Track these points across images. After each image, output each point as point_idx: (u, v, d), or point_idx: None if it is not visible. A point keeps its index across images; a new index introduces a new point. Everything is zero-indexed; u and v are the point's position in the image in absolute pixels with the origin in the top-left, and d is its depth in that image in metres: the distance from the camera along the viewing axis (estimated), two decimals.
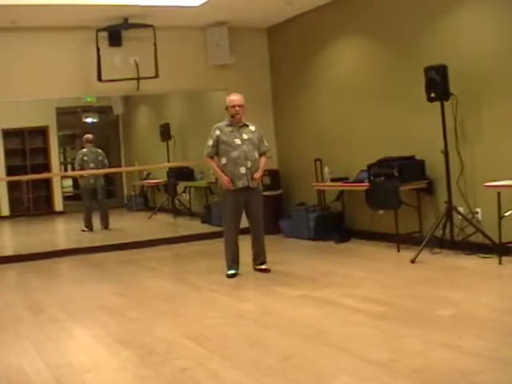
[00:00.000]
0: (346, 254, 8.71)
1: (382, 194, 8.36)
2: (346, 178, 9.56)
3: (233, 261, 7.64)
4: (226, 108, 7.63)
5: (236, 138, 7.54)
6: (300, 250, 9.58)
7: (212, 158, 7.68)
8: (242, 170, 7.49)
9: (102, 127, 19.28)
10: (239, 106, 7.57)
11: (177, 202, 14.98)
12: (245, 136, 7.58)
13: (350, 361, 4.36)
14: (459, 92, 7.60)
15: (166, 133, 14.98)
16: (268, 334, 5.18)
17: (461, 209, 7.80)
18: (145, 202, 17.53)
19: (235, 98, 7.63)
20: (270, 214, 10.00)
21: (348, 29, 9.70)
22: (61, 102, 16.21)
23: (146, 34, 10.06)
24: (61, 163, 18.95)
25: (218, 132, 7.60)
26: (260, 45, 11.49)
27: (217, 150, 7.61)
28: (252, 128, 7.70)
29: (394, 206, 8.27)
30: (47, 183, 18.12)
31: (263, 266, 7.73)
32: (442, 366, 4.06)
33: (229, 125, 7.62)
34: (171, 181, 14.73)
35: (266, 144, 7.83)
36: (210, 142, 7.62)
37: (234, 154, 7.50)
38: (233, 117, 7.57)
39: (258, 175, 7.59)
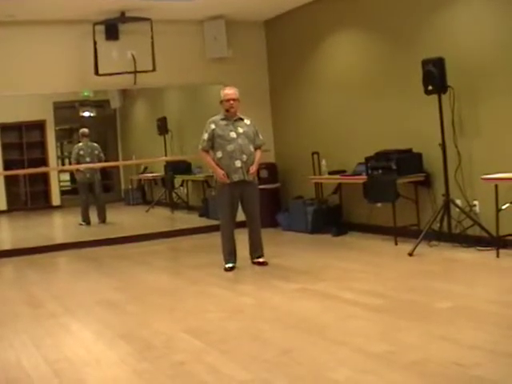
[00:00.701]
0: (343, 247, 8.72)
1: (379, 187, 8.36)
2: (344, 171, 9.55)
3: (230, 254, 7.64)
4: (221, 102, 7.62)
5: (231, 131, 7.53)
6: (297, 243, 9.57)
7: (207, 151, 7.67)
8: (238, 163, 7.48)
9: (99, 121, 19.24)
10: (234, 99, 7.56)
11: (174, 195, 14.97)
12: (240, 129, 7.57)
13: (348, 354, 4.36)
14: (456, 85, 7.60)
15: (163, 126, 14.96)
16: (266, 328, 5.18)
17: (458, 202, 7.81)
18: (142, 196, 17.53)
19: (230, 91, 7.61)
20: (268, 207, 10.02)
21: (345, 22, 9.68)
22: (58, 96, 16.11)
23: (143, 27, 10.04)
24: (58, 157, 18.92)
25: (213, 126, 7.59)
26: (257, 38, 11.48)
27: (212, 143, 7.60)
28: (247, 121, 7.69)
29: (391, 199, 8.28)
30: (44, 177, 18.08)
31: (260, 260, 7.74)
32: (440, 359, 4.06)
33: (224, 118, 7.61)
34: (168, 175, 14.72)
35: (261, 138, 7.83)
36: (205, 136, 7.61)
37: (230, 147, 7.49)
38: (227, 111, 7.56)
39: (253, 169, 7.59)
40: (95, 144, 13.22)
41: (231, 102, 7.54)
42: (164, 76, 10.50)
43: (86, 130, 13.26)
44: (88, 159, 12.82)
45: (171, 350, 4.73)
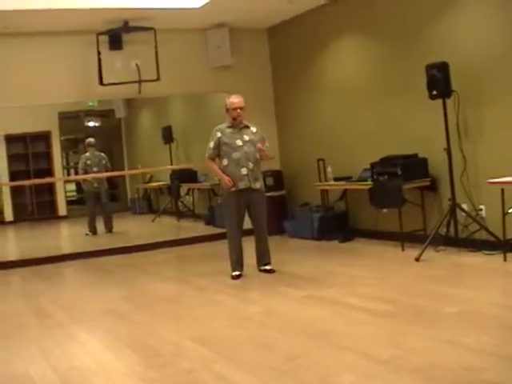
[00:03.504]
0: (350, 254, 8.71)
1: (385, 193, 8.35)
2: (350, 178, 9.55)
3: (237, 262, 7.63)
4: (227, 110, 7.63)
5: (237, 139, 7.54)
6: (304, 250, 9.57)
7: (213, 159, 7.69)
8: (244, 171, 7.49)
9: (104, 131, 19.32)
10: (240, 107, 7.57)
11: (180, 204, 14.97)
12: (246, 137, 7.58)
13: (355, 359, 4.36)
14: (461, 89, 7.60)
15: (168, 135, 14.97)
16: (273, 335, 5.18)
17: (464, 206, 7.80)
18: (148, 205, 17.53)
19: (236, 100, 7.62)
20: (274, 214, 9.98)
21: (348, 28, 9.70)
22: (63, 106, 16.25)
23: (146, 36, 10.06)
24: (64, 168, 18.99)
25: (219, 134, 7.61)
26: (261, 46, 11.50)
27: (218, 151, 7.61)
28: (253, 129, 7.70)
29: (397, 205, 8.26)
30: (50, 188, 18.16)
31: (268, 267, 7.73)
32: (447, 363, 4.05)
33: (230, 126, 7.62)
34: (174, 183, 14.72)
35: (268, 145, 7.81)
36: (212, 144, 7.62)
37: (236, 155, 7.50)
38: (234, 119, 7.57)
39: (263, 149, 7.54)
40: (102, 154, 13.25)
41: (238, 110, 7.55)
42: (168, 85, 10.52)
43: (92, 140, 13.29)
44: (95, 169, 12.86)
45: (178, 359, 4.73)
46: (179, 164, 14.82)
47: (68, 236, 15.41)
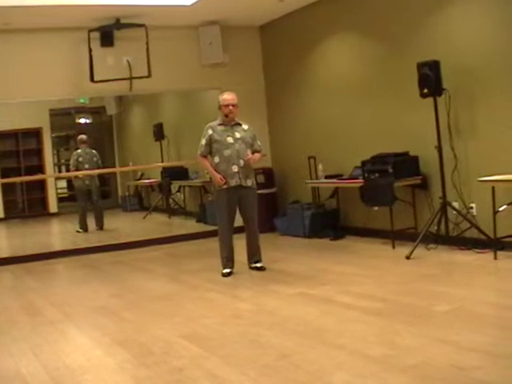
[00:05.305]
0: (341, 251, 8.72)
1: (376, 191, 8.36)
2: (341, 175, 9.56)
3: (228, 259, 7.63)
4: (219, 107, 7.62)
5: (228, 136, 7.53)
6: (295, 247, 9.57)
7: (205, 157, 7.68)
8: (235, 168, 7.48)
9: (95, 128, 19.28)
10: (233, 105, 7.56)
11: (171, 201, 14.97)
12: (237, 135, 7.57)
13: (347, 357, 4.36)
14: (452, 87, 7.61)
15: (159, 133, 14.97)
16: (265, 333, 5.17)
17: (455, 204, 7.82)
18: (139, 202, 17.52)
19: (229, 96, 7.61)
20: (265, 212, 10.01)
21: (340, 26, 9.70)
22: (54, 103, 16.20)
23: (138, 33, 10.04)
24: (55, 164, 18.93)
25: (210, 131, 7.60)
26: (253, 43, 11.50)
27: (210, 149, 7.60)
28: (245, 127, 7.69)
29: (388, 203, 8.28)
30: (41, 185, 18.08)
31: (258, 265, 7.73)
32: (439, 362, 4.06)
33: (221, 124, 7.62)
34: (165, 180, 14.71)
35: (260, 143, 7.82)
36: (203, 142, 7.62)
37: (227, 152, 7.49)
38: (226, 116, 7.56)
39: (251, 157, 7.56)
40: (94, 151, 13.21)
41: (230, 107, 7.54)
42: (159, 82, 10.51)
43: (84, 137, 13.23)
44: (87, 166, 12.80)
45: (170, 356, 4.73)
46: (170, 161, 14.84)
47: (59, 233, 15.39)
